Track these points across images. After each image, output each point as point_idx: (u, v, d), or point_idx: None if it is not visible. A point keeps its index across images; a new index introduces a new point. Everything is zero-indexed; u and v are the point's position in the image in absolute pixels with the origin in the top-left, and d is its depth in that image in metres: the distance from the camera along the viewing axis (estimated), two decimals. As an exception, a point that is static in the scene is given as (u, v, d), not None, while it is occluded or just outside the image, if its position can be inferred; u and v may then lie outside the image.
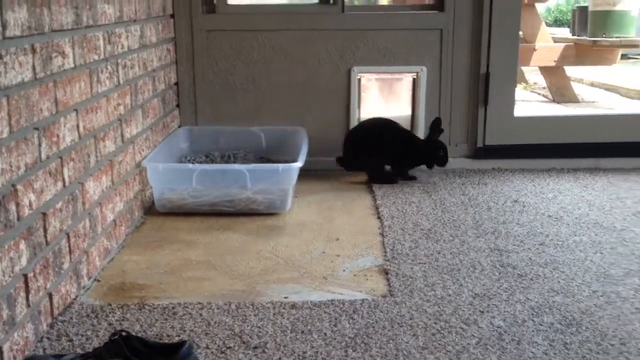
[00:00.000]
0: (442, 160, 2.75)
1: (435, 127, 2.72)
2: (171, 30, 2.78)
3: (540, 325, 1.56)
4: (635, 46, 5.07)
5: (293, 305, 1.67)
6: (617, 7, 4.97)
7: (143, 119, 2.35)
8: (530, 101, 5.48)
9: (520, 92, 6.09)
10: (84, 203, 1.79)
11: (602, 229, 2.18)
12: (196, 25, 2.82)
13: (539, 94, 5.84)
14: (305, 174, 2.85)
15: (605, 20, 5.00)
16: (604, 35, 4.99)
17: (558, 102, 5.30)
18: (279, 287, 1.80)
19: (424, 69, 2.86)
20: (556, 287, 1.76)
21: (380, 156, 2.73)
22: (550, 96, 5.45)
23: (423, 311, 1.64)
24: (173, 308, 1.67)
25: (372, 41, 2.85)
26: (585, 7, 5.40)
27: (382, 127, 2.76)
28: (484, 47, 2.83)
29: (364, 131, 2.77)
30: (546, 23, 11.28)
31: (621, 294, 1.71)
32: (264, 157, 2.85)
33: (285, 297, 1.73)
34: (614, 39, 4.93)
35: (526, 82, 6.45)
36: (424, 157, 2.75)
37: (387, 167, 2.80)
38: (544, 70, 5.38)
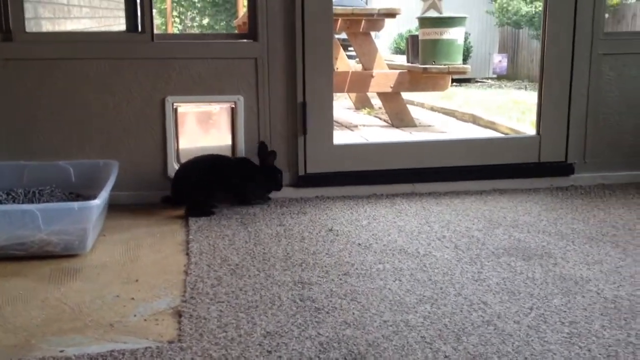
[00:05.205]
0: (280, 184, 2.83)
1: (265, 151, 2.78)
2: (-39, 59, 2.55)
3: (325, 362, 1.52)
4: (462, 72, 5.35)
5: (67, 360, 1.53)
6: (444, 36, 5.23)
7: None
8: (371, 126, 5.62)
9: (363, 116, 6.25)
10: None
11: (406, 255, 2.21)
12: (-10, 54, 2.61)
13: (380, 118, 6.01)
14: (119, 208, 2.72)
15: (433, 48, 5.25)
16: (434, 63, 5.23)
17: (397, 127, 5.47)
18: (57, 339, 1.65)
19: (241, 98, 2.81)
20: (350, 319, 1.74)
21: (216, 189, 2.71)
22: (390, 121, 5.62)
23: (208, 356, 1.55)
24: None
25: (185, 70, 2.76)
26: (417, 36, 5.65)
27: (214, 160, 2.75)
28: (299, 77, 2.83)
29: (196, 168, 2.71)
30: (400, 49, 11.73)
31: (410, 322, 1.72)
32: (73, 193, 2.67)
33: (61, 351, 1.59)
34: (442, 66, 5.18)
35: (371, 107, 6.63)
36: (264, 182, 2.81)
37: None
38: (382, 96, 5.54)
